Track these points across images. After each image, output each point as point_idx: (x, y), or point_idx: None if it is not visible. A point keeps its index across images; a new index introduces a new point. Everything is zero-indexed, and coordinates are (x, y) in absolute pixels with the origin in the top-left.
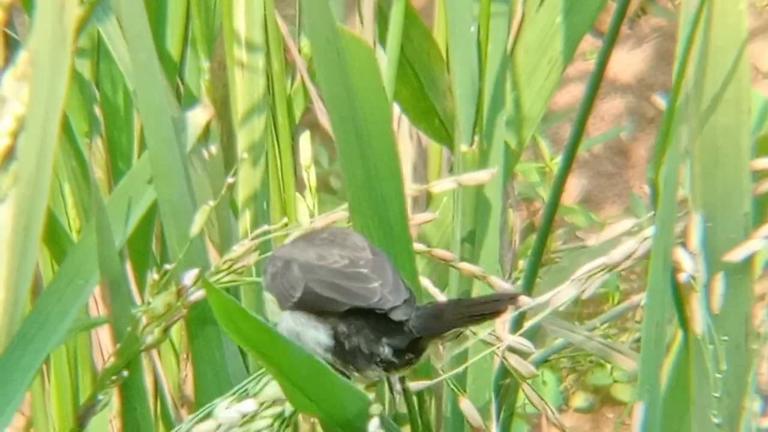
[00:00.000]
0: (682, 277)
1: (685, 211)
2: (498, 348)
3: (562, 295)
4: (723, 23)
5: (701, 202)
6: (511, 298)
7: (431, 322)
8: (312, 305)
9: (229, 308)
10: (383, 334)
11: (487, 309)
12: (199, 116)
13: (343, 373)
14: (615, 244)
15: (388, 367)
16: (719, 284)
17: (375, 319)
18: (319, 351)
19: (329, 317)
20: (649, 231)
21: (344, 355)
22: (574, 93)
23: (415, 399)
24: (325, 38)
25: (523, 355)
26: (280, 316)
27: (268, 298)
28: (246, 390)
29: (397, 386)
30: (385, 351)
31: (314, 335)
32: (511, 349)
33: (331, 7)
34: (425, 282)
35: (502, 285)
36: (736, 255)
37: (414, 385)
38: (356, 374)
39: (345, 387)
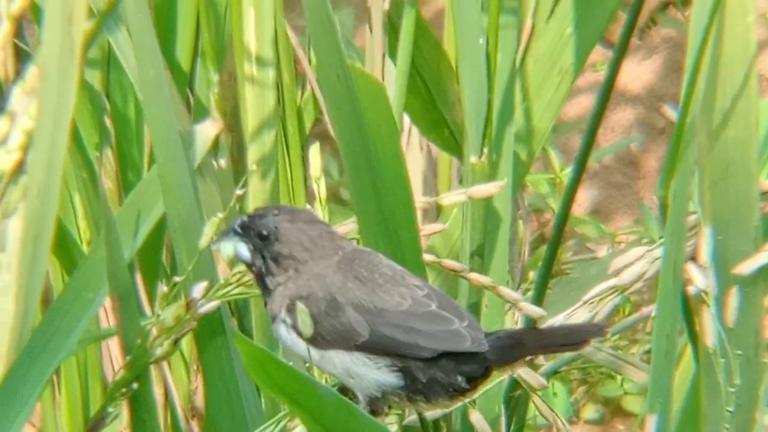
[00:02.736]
0: (692, 290)
1: (695, 226)
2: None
3: (575, 319)
4: (732, 36)
5: (711, 215)
6: (597, 331)
7: (509, 351)
8: (383, 348)
9: (259, 357)
10: (458, 364)
11: (570, 340)
12: (208, 129)
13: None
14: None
15: (458, 394)
16: (734, 298)
17: (450, 353)
18: (375, 392)
19: (395, 356)
20: (659, 252)
21: (417, 389)
22: (584, 104)
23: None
24: (335, 75)
25: (533, 366)
26: (325, 353)
27: (287, 336)
28: None
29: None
30: (458, 380)
31: (376, 377)
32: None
33: (341, 24)
34: None
35: (512, 295)
36: (746, 267)
37: (430, 414)
38: (424, 405)
39: (370, 423)
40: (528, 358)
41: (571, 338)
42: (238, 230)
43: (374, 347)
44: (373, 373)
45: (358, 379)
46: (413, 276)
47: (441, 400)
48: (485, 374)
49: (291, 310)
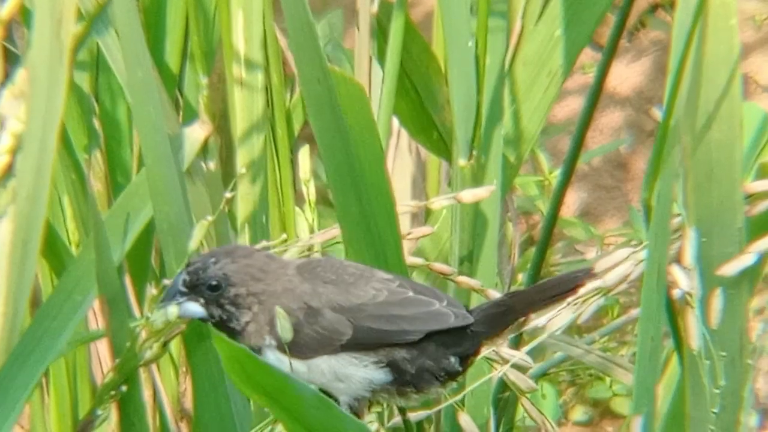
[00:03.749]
0: (676, 292)
1: (679, 229)
2: (498, 363)
3: (559, 319)
4: (715, 38)
5: (695, 217)
6: (585, 274)
7: (499, 318)
8: (369, 342)
9: (238, 357)
10: (448, 347)
11: (561, 289)
12: (197, 132)
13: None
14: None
15: (449, 378)
16: (718, 300)
17: (437, 335)
18: (365, 392)
19: (381, 350)
20: (644, 254)
21: (406, 381)
22: (573, 106)
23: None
24: (316, 79)
25: (522, 369)
26: (311, 363)
27: (275, 359)
28: None
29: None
30: (452, 362)
31: (364, 375)
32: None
33: (330, 26)
34: None
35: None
36: (730, 269)
37: (414, 416)
38: (415, 395)
39: (351, 422)
40: (520, 320)
41: (562, 287)
42: (184, 290)
43: (360, 343)
44: (360, 372)
45: (347, 381)
46: (381, 271)
47: (432, 388)
48: (476, 352)
49: (272, 333)
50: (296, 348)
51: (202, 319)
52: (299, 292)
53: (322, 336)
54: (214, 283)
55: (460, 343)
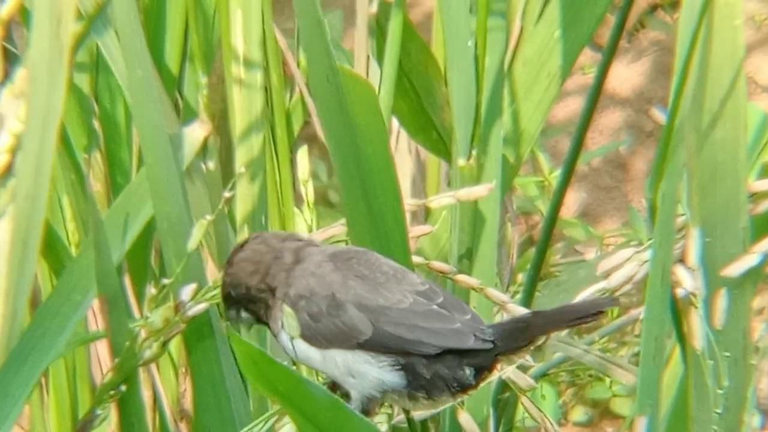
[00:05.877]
0: (680, 292)
1: (683, 229)
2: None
3: None
4: (720, 39)
5: (699, 217)
6: (610, 302)
7: (517, 335)
8: (387, 346)
9: (254, 356)
10: (464, 357)
11: (584, 314)
12: (196, 132)
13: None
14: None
15: (462, 390)
16: (722, 300)
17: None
18: (375, 392)
19: (398, 353)
20: (647, 254)
21: (419, 386)
22: (572, 107)
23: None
24: (325, 77)
25: (522, 368)
26: (327, 353)
27: (288, 343)
28: None
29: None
30: (466, 373)
31: (378, 375)
32: (510, 363)
33: (330, 26)
34: None
35: (500, 297)
36: (734, 269)
37: (418, 415)
38: (425, 402)
39: (362, 423)
40: (539, 340)
41: (584, 312)
42: (231, 307)
43: (377, 345)
44: (375, 372)
45: (359, 378)
46: (413, 273)
47: (443, 397)
48: (492, 366)
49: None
50: (313, 336)
51: (257, 323)
52: (328, 280)
53: (340, 330)
54: (232, 293)
55: (476, 356)
